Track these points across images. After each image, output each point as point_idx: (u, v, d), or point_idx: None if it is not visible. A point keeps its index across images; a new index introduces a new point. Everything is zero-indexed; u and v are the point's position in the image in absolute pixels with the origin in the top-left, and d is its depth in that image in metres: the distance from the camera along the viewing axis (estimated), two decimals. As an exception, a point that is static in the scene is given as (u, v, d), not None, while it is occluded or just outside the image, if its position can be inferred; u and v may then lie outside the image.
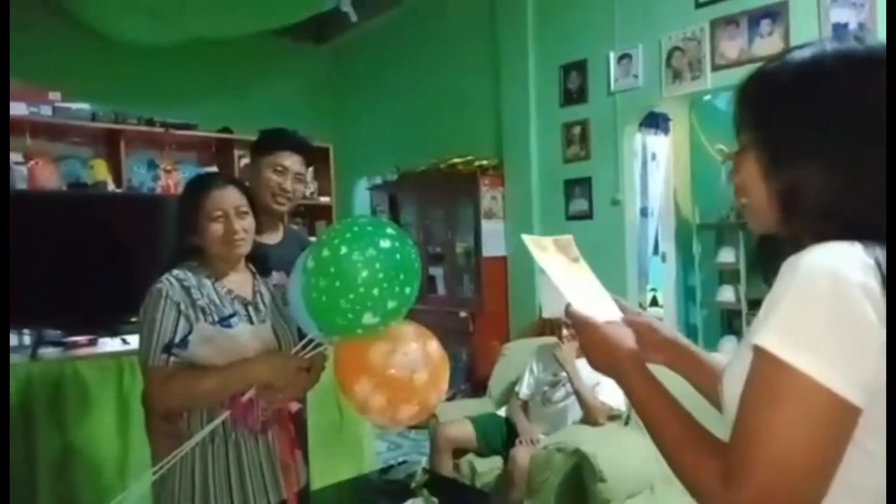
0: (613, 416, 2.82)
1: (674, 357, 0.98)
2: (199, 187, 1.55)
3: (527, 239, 0.95)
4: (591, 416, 2.76)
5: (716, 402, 0.90)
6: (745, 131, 0.77)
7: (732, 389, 0.71)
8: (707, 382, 0.95)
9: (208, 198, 1.50)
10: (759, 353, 0.66)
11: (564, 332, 2.97)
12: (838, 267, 0.63)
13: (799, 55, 0.74)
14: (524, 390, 3.09)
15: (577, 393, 2.81)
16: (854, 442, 0.64)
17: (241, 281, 1.57)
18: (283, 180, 1.90)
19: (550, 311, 0.96)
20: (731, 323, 4.36)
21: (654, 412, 0.78)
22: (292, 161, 1.92)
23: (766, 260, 0.78)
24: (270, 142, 1.94)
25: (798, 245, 0.70)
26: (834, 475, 0.64)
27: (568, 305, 0.90)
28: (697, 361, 0.98)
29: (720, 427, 0.74)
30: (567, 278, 0.94)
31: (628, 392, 0.82)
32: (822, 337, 0.62)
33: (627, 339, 0.86)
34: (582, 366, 2.86)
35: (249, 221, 1.54)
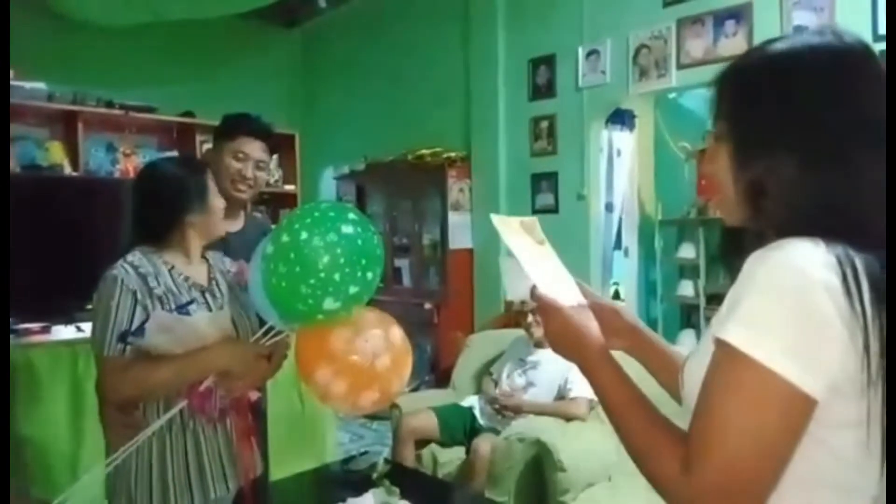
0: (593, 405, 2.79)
1: (635, 343, 0.99)
2: (199, 166, 1.62)
3: (495, 218, 0.94)
4: (570, 418, 2.79)
5: (672, 390, 0.92)
6: (719, 121, 0.77)
7: (693, 381, 0.72)
8: (665, 370, 0.96)
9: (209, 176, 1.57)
10: (721, 346, 0.67)
11: (529, 318, 2.99)
12: (802, 264, 0.64)
13: (775, 47, 0.74)
14: (496, 372, 3.14)
15: (544, 413, 2.82)
16: (812, 436, 0.66)
17: (196, 268, 1.55)
18: (244, 167, 1.86)
19: (514, 293, 0.95)
20: (690, 317, 4.44)
21: (618, 401, 0.78)
22: (253, 148, 1.88)
23: (730, 254, 0.78)
24: (232, 127, 1.90)
25: (762, 240, 0.70)
26: (787, 464, 0.65)
27: (533, 287, 0.89)
28: (657, 349, 0.99)
29: (677, 418, 0.75)
30: (533, 260, 0.93)
31: (592, 379, 0.83)
32: (784, 331, 0.63)
33: (593, 326, 0.86)
34: (549, 359, 2.89)
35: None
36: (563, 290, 0.93)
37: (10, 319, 2.69)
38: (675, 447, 0.69)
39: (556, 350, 0.88)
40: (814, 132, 0.69)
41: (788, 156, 0.70)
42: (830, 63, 0.71)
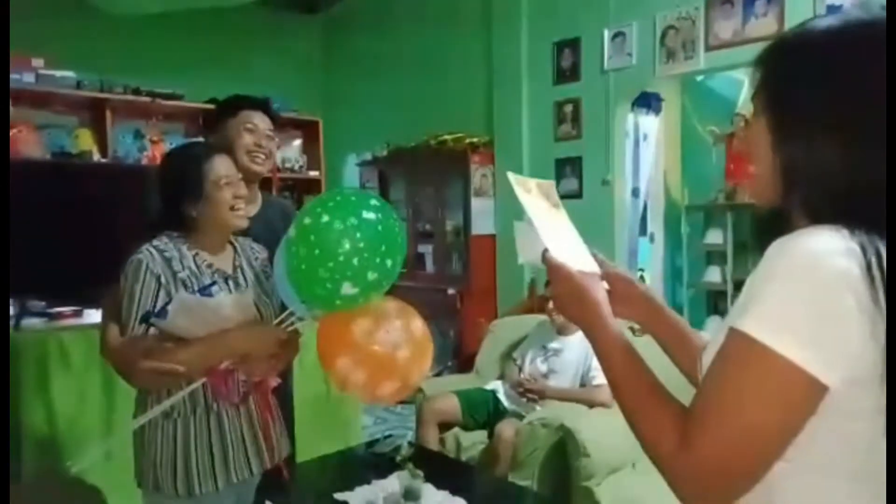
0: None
1: (647, 314, 0.97)
2: (200, 153, 1.51)
3: (512, 177, 0.93)
4: (593, 405, 2.78)
5: (684, 367, 0.92)
6: (760, 95, 0.75)
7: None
8: (679, 346, 0.95)
9: (214, 164, 1.47)
10: (736, 334, 0.66)
11: (552, 304, 2.97)
12: (821, 253, 0.63)
13: (824, 22, 0.72)
14: (520, 358, 3.13)
15: (568, 399, 2.82)
16: (827, 423, 0.65)
17: (221, 256, 1.55)
18: (257, 137, 1.86)
19: (526, 256, 0.93)
20: (717, 303, 4.39)
21: (619, 366, 0.78)
22: (260, 118, 1.88)
23: (764, 239, 0.77)
24: (232, 104, 1.90)
25: (790, 223, 0.69)
26: (786, 447, 0.65)
27: (545, 251, 0.88)
28: (671, 323, 0.97)
29: (686, 397, 0.74)
30: (547, 223, 0.92)
31: (595, 345, 0.82)
32: (800, 320, 0.63)
33: (600, 292, 0.85)
34: (571, 346, 2.89)
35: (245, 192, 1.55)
36: (575, 255, 0.92)
37: (43, 304, 2.76)
38: (674, 420, 0.69)
39: (564, 313, 0.88)
40: (857, 113, 0.67)
41: (828, 136, 0.68)
42: (878, 42, 0.68)
